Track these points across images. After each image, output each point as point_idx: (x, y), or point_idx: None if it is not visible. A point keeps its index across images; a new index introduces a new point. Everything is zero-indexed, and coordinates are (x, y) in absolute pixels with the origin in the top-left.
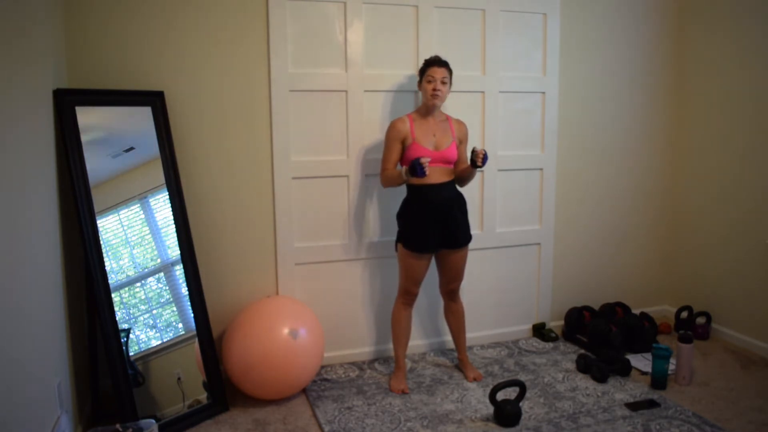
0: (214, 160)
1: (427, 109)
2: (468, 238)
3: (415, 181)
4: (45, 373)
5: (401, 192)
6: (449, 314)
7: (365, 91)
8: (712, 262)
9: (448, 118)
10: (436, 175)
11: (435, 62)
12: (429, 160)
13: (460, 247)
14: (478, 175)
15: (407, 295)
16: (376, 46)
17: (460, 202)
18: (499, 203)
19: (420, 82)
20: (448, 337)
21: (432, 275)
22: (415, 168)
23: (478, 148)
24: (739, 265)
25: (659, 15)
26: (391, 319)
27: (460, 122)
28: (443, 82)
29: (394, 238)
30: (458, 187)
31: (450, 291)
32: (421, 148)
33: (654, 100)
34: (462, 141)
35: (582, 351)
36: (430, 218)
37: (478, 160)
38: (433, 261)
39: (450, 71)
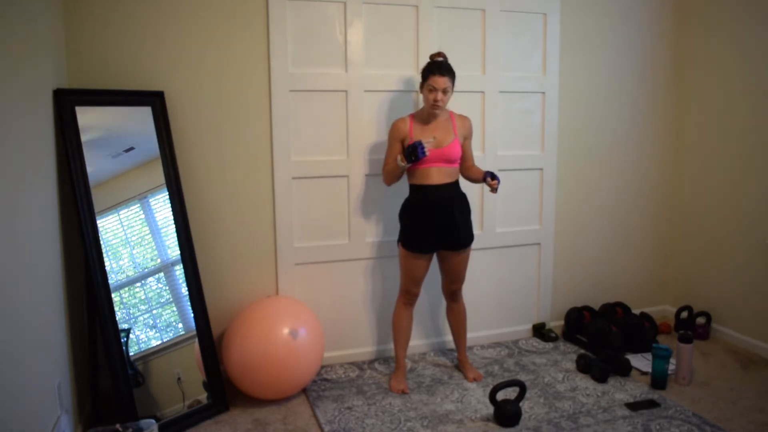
0: (214, 160)
1: (428, 113)
2: (469, 240)
3: (416, 180)
4: (45, 373)
5: (402, 192)
6: (451, 314)
7: (365, 91)
8: (712, 262)
9: (450, 115)
10: (436, 175)
11: (438, 70)
12: (431, 141)
13: (460, 249)
14: None
15: (408, 294)
16: (376, 46)
17: (462, 204)
18: (499, 203)
19: (422, 85)
20: (448, 337)
21: (434, 275)
22: (416, 148)
23: (492, 180)
24: (739, 265)
25: (659, 14)
26: (392, 318)
27: (463, 118)
28: (444, 92)
29: (394, 238)
30: (461, 188)
31: (452, 291)
32: None
33: (654, 100)
34: (466, 137)
35: (582, 351)
36: (429, 219)
37: (493, 190)
38: (435, 260)
39: (453, 77)
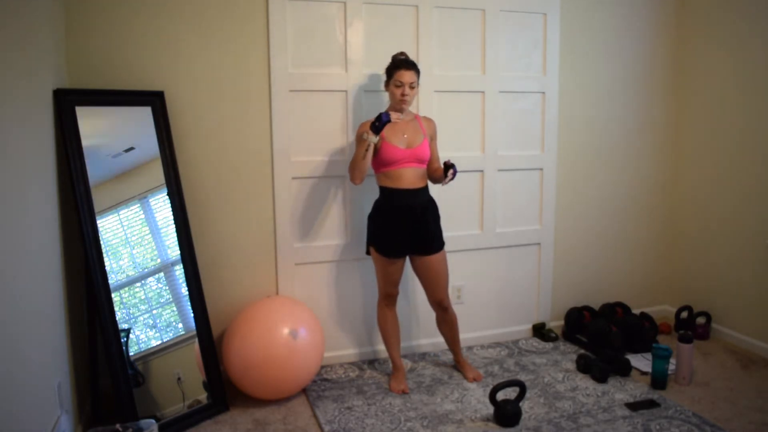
0: (214, 160)
1: (395, 111)
2: (441, 244)
3: (389, 182)
4: (45, 373)
5: None
6: (442, 324)
7: (365, 91)
8: (712, 263)
9: (416, 117)
10: (409, 177)
11: (403, 65)
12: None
13: (432, 254)
14: (477, 174)
15: (388, 297)
16: (376, 46)
17: (433, 208)
18: (499, 203)
19: (387, 82)
20: None
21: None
22: (380, 115)
23: (449, 162)
24: (739, 266)
25: (659, 15)
26: (377, 323)
27: (428, 119)
28: (411, 87)
29: None
30: (430, 193)
31: (438, 301)
32: (393, 147)
33: (654, 100)
34: (433, 138)
35: (582, 351)
36: (401, 223)
37: (450, 175)
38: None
39: (418, 73)
